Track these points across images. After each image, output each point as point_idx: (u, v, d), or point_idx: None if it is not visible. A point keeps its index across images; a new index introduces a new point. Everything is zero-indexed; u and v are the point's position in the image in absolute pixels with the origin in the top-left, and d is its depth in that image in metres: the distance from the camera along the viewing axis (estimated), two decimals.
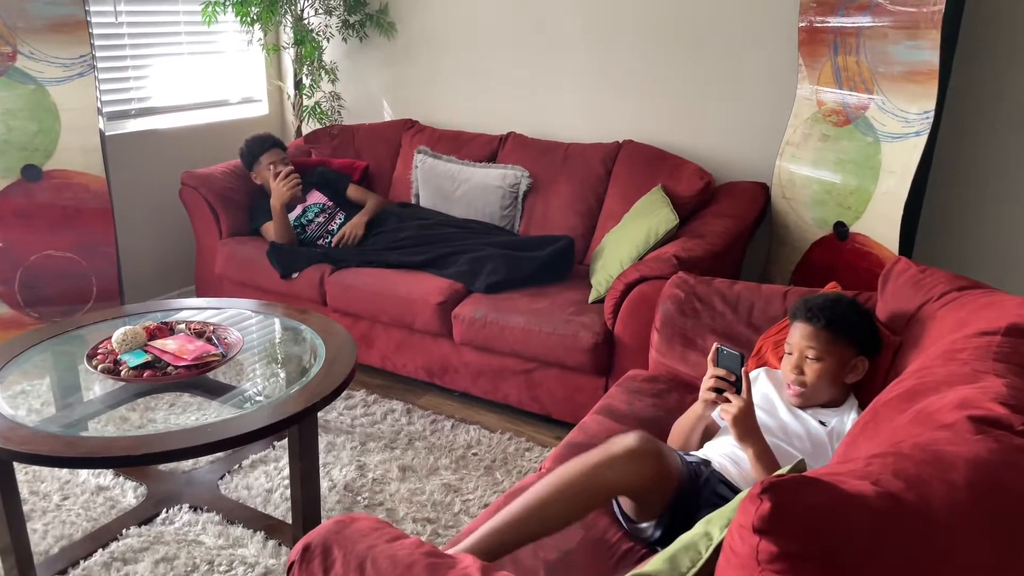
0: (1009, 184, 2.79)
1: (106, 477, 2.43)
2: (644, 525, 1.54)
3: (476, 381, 2.88)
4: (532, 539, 1.41)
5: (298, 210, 3.37)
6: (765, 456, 1.55)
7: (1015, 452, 0.97)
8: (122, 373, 2.03)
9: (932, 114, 2.46)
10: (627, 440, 1.44)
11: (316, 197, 3.40)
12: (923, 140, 2.48)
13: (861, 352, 1.72)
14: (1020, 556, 0.91)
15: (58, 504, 2.31)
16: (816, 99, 2.79)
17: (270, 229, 3.30)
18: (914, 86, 2.49)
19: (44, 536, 2.17)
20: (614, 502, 1.61)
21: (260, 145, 3.40)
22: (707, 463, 1.62)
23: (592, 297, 2.76)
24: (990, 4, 2.67)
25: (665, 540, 1.50)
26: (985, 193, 2.83)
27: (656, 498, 1.49)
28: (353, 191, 3.49)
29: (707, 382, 1.62)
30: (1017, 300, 1.51)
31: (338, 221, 3.36)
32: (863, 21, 2.58)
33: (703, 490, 1.55)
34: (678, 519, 1.48)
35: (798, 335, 1.73)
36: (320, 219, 3.36)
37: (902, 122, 2.54)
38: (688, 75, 3.23)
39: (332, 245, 3.26)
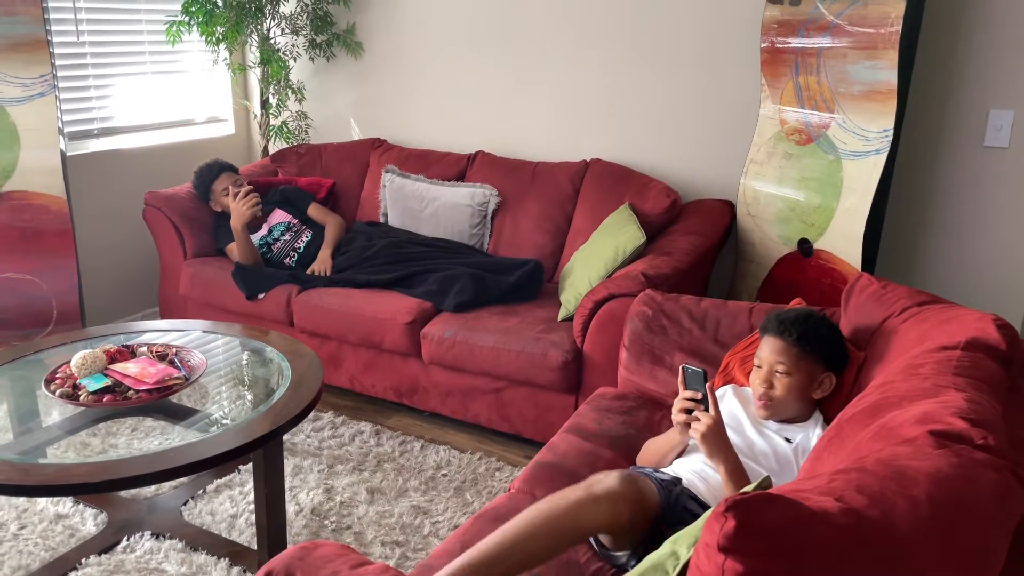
0: (965, 200, 2.85)
1: (65, 505, 2.36)
2: (619, 554, 1.53)
3: (445, 401, 2.86)
4: (512, 575, 1.36)
5: (264, 229, 3.34)
6: (736, 472, 1.56)
7: (975, 467, 0.98)
8: (81, 398, 1.99)
9: (891, 132, 2.51)
10: (609, 482, 1.42)
11: (280, 216, 3.37)
12: (883, 158, 2.53)
13: (829, 368, 1.74)
14: (981, 570, 0.91)
15: (15, 533, 2.25)
16: (779, 118, 2.83)
17: (235, 249, 3.26)
18: (873, 105, 2.54)
19: (0, 567, 2.10)
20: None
21: (209, 174, 3.36)
22: (678, 481, 1.63)
23: (561, 315, 2.76)
24: (946, 25, 2.74)
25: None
26: (943, 209, 2.89)
27: (634, 534, 1.49)
28: (314, 211, 3.44)
29: (677, 404, 1.62)
30: (976, 315, 1.54)
31: (305, 238, 3.33)
32: (823, 42, 2.64)
33: (674, 508, 1.55)
34: (654, 547, 1.48)
35: (768, 349, 1.74)
36: (287, 237, 3.33)
37: (862, 140, 2.58)
38: (654, 95, 3.27)
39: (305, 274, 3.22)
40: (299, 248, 3.32)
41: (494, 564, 1.32)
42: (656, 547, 1.48)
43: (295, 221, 3.37)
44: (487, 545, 1.34)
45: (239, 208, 3.18)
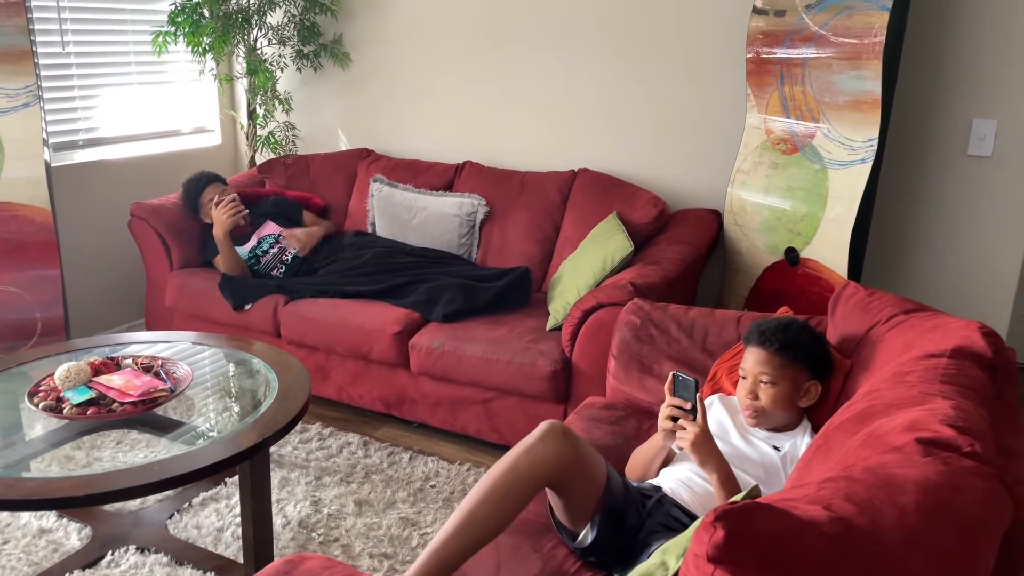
0: (949, 209, 2.87)
1: (49, 519, 2.34)
2: (582, 533, 1.54)
3: (434, 411, 2.85)
4: (474, 549, 1.41)
5: (253, 241, 3.32)
6: (728, 480, 1.55)
7: (963, 474, 0.98)
8: (65, 411, 1.97)
9: (876, 141, 2.53)
10: (538, 427, 1.52)
11: (271, 228, 3.36)
12: (868, 167, 2.55)
13: (814, 376, 1.74)
14: None
15: None
16: (765, 128, 2.85)
17: (221, 261, 3.25)
18: (858, 115, 2.56)
19: None
20: (551, 516, 1.61)
21: (195, 186, 3.35)
22: (658, 488, 1.62)
23: (550, 325, 2.76)
24: (929, 34, 2.77)
25: (597, 546, 1.52)
26: (928, 217, 2.91)
27: (583, 494, 1.52)
28: (308, 218, 3.49)
29: (664, 411, 1.62)
30: (961, 323, 1.54)
31: (292, 251, 3.32)
32: (807, 52, 2.66)
33: (654, 513, 1.55)
34: (611, 526, 1.51)
35: (752, 360, 1.74)
36: (274, 250, 3.31)
37: (848, 150, 2.60)
38: (641, 105, 3.28)
39: (297, 255, 3.26)
40: (286, 260, 3.30)
41: (458, 540, 1.39)
42: (621, 535, 1.53)
43: (284, 233, 3.36)
44: (449, 525, 1.41)
45: (220, 216, 3.16)
